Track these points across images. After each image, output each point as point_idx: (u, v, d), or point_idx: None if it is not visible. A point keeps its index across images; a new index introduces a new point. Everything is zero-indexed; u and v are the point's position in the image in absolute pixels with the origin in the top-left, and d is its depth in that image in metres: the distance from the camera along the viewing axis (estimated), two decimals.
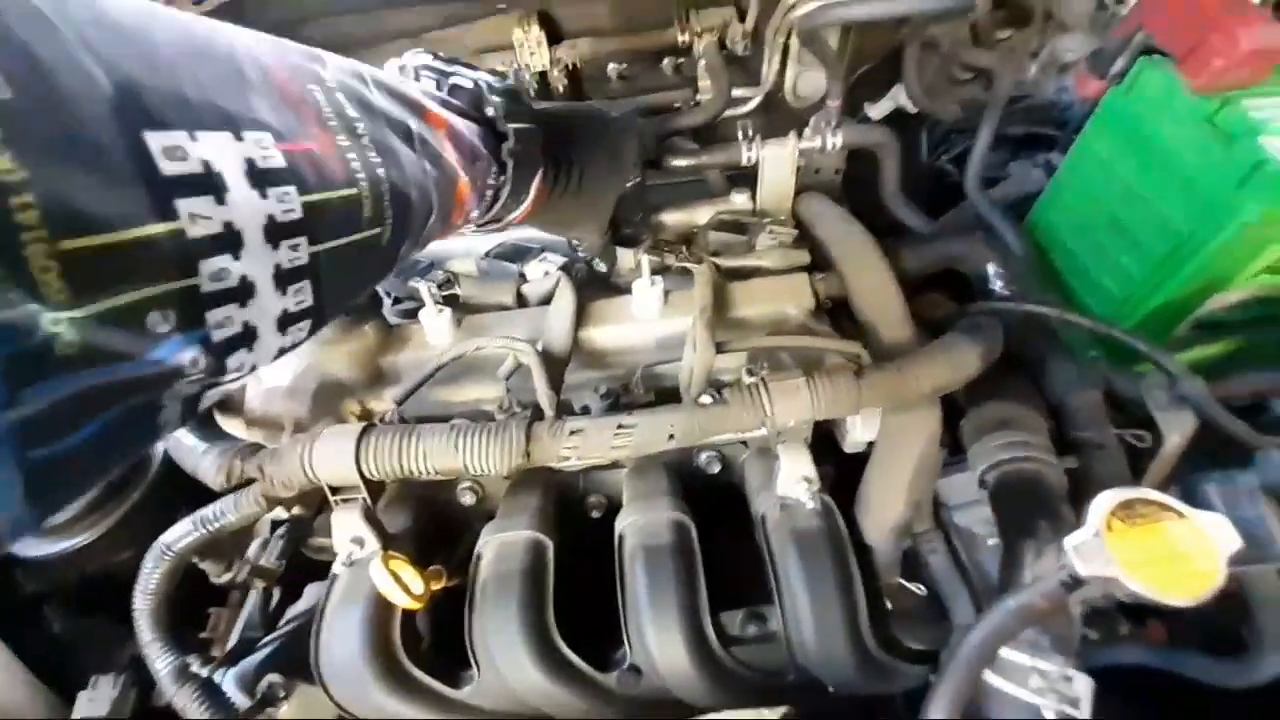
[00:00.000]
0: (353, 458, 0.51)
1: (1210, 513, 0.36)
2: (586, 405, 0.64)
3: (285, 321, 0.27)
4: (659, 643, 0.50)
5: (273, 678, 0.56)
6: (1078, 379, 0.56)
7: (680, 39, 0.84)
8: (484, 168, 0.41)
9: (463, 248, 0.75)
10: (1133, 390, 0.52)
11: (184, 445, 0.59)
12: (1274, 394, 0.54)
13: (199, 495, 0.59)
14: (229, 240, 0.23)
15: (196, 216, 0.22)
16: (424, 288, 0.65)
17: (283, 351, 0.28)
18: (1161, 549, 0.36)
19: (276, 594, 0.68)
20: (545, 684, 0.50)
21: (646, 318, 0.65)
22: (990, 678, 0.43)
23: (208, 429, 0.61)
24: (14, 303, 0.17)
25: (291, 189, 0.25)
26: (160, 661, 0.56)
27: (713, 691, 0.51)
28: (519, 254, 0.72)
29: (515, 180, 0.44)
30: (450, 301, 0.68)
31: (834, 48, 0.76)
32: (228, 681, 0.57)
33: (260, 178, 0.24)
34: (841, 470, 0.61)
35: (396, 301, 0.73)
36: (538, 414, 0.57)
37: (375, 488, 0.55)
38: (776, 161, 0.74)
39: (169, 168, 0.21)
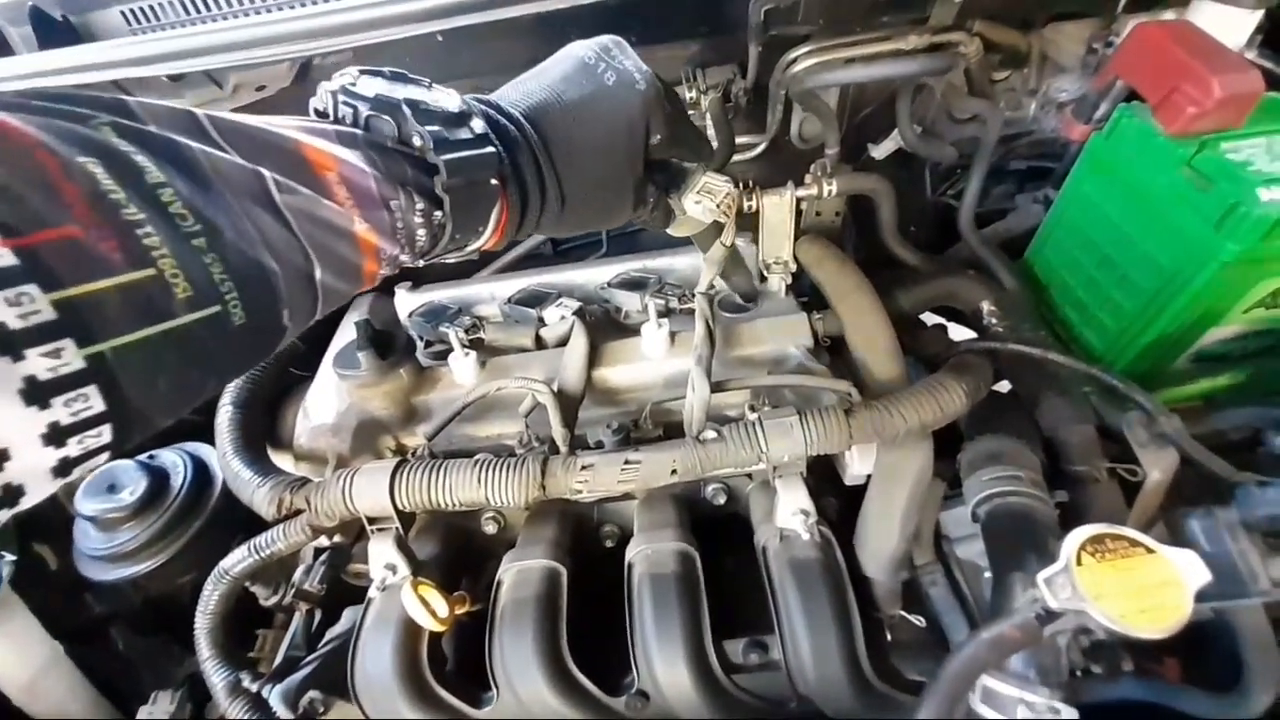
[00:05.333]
0: (387, 491, 0.57)
1: (1179, 549, 0.38)
2: (601, 440, 0.68)
3: (59, 435, 0.23)
4: (663, 668, 0.53)
5: (313, 694, 0.61)
6: (1070, 413, 0.57)
7: (689, 95, 0.90)
8: (402, 207, 0.35)
9: (488, 294, 0.82)
10: (1121, 425, 0.53)
11: (240, 478, 0.66)
12: (1266, 428, 0.54)
13: (250, 525, 0.66)
14: None
15: None
16: (452, 333, 0.71)
17: (73, 463, 0.24)
18: (1130, 583, 0.37)
19: (318, 616, 0.74)
20: (558, 705, 0.53)
21: (655, 357, 0.70)
22: (979, 707, 0.45)
23: (261, 463, 0.68)
24: None
25: (30, 288, 0.21)
26: (216, 676, 0.62)
27: (716, 717, 0.53)
28: (538, 299, 0.78)
29: (460, 215, 0.38)
30: (476, 345, 0.74)
31: (830, 101, 0.81)
32: (273, 697, 0.62)
33: None
34: (850, 502, 0.63)
35: (428, 345, 0.79)
36: (553, 449, 0.62)
37: (407, 518, 0.61)
38: (776, 208, 0.78)
39: None
